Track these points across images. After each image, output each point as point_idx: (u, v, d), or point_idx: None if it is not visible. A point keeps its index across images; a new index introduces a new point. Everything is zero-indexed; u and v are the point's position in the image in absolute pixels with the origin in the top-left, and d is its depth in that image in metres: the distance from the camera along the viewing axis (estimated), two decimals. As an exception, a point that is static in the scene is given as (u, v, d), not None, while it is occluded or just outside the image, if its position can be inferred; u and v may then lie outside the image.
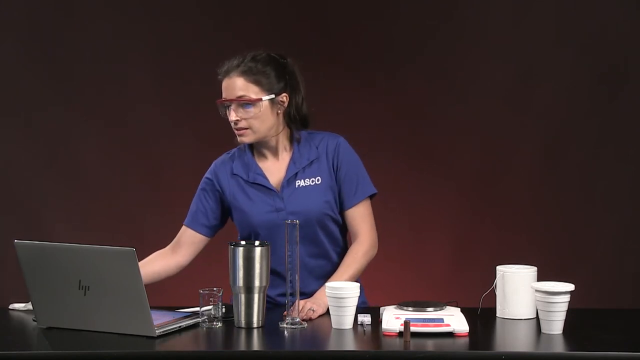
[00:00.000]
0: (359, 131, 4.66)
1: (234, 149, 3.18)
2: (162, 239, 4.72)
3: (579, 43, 4.65)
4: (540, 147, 4.70)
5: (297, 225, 2.78)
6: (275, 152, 3.10)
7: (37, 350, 2.61)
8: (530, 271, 2.85)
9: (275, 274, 2.98)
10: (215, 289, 2.76)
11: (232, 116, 3.01)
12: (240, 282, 2.72)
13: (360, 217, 3.10)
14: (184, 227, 3.24)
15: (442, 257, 4.73)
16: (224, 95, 3.03)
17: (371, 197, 3.14)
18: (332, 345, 2.64)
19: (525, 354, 2.53)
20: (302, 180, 3.08)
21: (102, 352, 2.52)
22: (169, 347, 2.57)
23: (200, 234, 3.19)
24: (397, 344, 2.56)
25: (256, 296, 2.73)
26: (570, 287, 2.67)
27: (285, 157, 3.11)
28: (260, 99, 3.00)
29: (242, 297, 2.73)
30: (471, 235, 4.73)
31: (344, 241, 3.17)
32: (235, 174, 3.12)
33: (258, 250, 2.73)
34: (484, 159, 4.72)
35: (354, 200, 3.09)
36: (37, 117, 4.71)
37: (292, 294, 2.77)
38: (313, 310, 2.84)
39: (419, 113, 4.71)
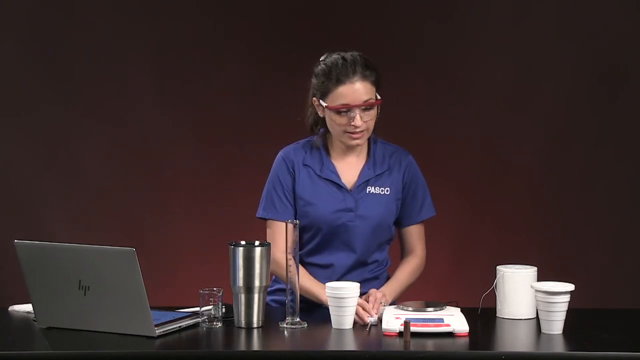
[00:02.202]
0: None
1: (302, 141, 3.15)
2: (162, 239, 4.75)
3: (579, 43, 4.65)
4: (540, 147, 4.70)
5: (297, 225, 2.78)
6: (353, 153, 3.10)
7: (37, 350, 2.61)
8: (530, 271, 2.86)
9: (326, 267, 3.03)
10: (215, 289, 2.77)
11: (359, 121, 2.98)
12: (240, 282, 2.72)
13: (419, 234, 3.18)
14: (272, 223, 3.08)
15: (442, 257, 4.72)
16: (345, 101, 2.99)
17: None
18: (332, 345, 2.64)
19: (525, 354, 2.53)
20: (373, 188, 3.09)
21: (102, 352, 2.53)
22: (169, 347, 2.57)
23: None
24: (397, 344, 2.56)
25: (256, 296, 2.73)
26: (570, 287, 2.67)
27: (361, 158, 3.11)
28: (380, 100, 3.03)
29: (242, 297, 2.73)
30: (471, 235, 4.73)
31: (386, 252, 3.19)
32: (306, 165, 3.09)
33: (258, 250, 2.73)
34: (484, 159, 4.72)
35: (417, 218, 3.15)
36: (37, 117, 4.71)
37: (292, 294, 2.77)
38: (382, 303, 2.87)
39: (419, 113, 4.71)
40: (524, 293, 2.81)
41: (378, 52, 4.71)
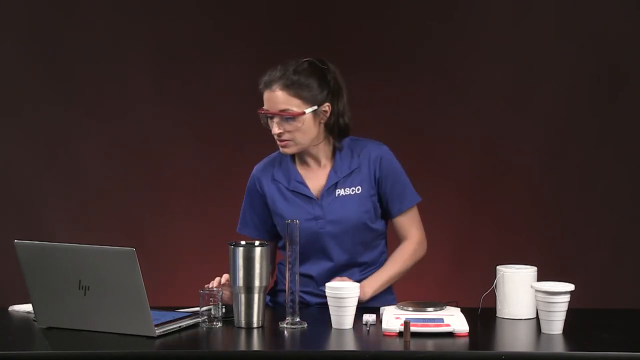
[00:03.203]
0: (359, 131, 4.67)
1: (274, 153, 3.16)
2: (162, 239, 4.75)
3: (579, 43, 4.65)
4: (540, 147, 4.70)
5: (297, 225, 2.78)
6: (317, 160, 3.10)
7: (37, 350, 2.61)
8: (530, 271, 2.85)
9: (307, 277, 3.03)
10: (215, 289, 2.76)
11: (275, 129, 2.99)
12: (241, 282, 2.72)
13: (409, 222, 3.14)
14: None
15: (442, 257, 4.72)
16: (265, 107, 3.01)
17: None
18: (332, 345, 2.64)
19: (525, 354, 2.53)
20: (343, 189, 3.08)
21: (102, 352, 2.53)
22: (169, 347, 2.57)
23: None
24: (397, 344, 2.56)
25: (256, 296, 2.73)
26: (570, 287, 2.67)
27: (326, 165, 3.10)
28: (303, 113, 2.98)
29: (242, 297, 2.73)
30: (471, 235, 4.73)
31: (379, 250, 3.17)
32: (276, 180, 3.11)
33: (258, 250, 2.73)
34: (484, 158, 4.72)
35: (401, 208, 3.12)
36: (37, 117, 4.71)
37: (292, 295, 2.77)
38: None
39: (419, 113, 4.71)
40: (524, 293, 2.81)
41: (378, 52, 4.75)
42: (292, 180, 3.09)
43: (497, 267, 2.89)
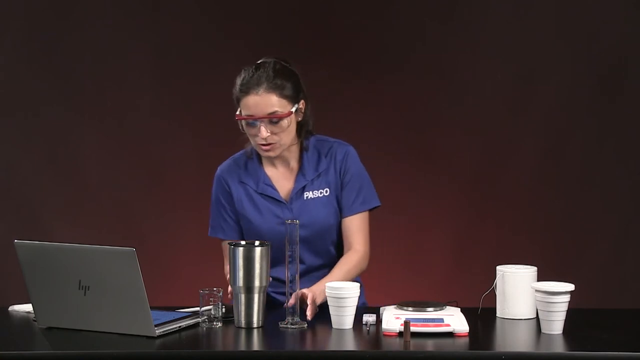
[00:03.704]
0: (359, 131, 4.67)
1: (238, 154, 3.15)
2: (162, 238, 4.75)
3: (579, 43, 4.65)
4: (540, 147, 4.70)
5: (297, 225, 2.78)
6: (286, 162, 3.08)
7: (37, 350, 2.61)
8: (530, 271, 2.85)
9: (279, 281, 2.98)
10: (215, 289, 2.76)
11: (264, 133, 2.94)
12: (240, 282, 2.72)
13: (357, 227, 3.08)
14: (224, 243, 3.13)
15: (442, 257, 4.72)
16: (248, 112, 2.96)
17: (372, 209, 3.13)
18: (332, 345, 2.64)
19: (525, 354, 2.53)
20: (311, 192, 3.06)
21: (102, 352, 2.53)
22: (169, 347, 2.57)
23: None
24: (397, 344, 2.56)
25: (256, 296, 2.73)
26: (570, 287, 2.67)
27: (294, 166, 3.08)
28: (291, 112, 2.97)
29: (242, 297, 2.73)
30: (471, 235, 4.73)
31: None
32: (243, 182, 3.09)
33: (258, 250, 2.73)
34: (484, 158, 4.72)
35: (352, 210, 3.08)
36: (37, 117, 4.71)
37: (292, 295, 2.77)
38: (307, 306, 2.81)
39: (419, 113, 4.71)
40: (524, 293, 2.81)
41: (378, 52, 4.75)
42: (261, 182, 3.07)
43: (497, 267, 2.89)
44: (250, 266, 2.72)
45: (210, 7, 4.73)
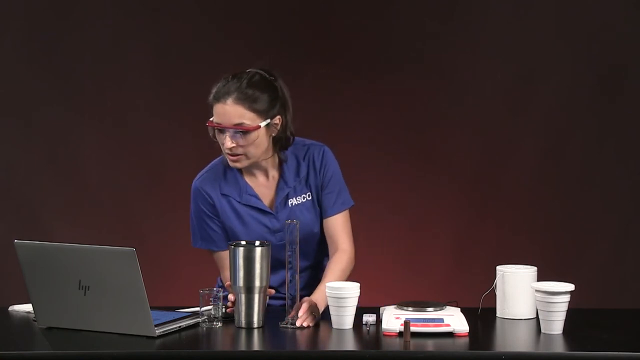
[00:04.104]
0: (359, 131, 4.68)
1: (213, 164, 3.11)
2: (162, 238, 4.74)
3: (579, 43, 4.65)
4: (540, 147, 4.70)
5: (297, 225, 2.78)
6: (265, 172, 3.04)
7: (37, 350, 2.61)
8: (530, 271, 2.85)
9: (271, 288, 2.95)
10: (215, 289, 2.76)
11: (228, 143, 2.91)
12: (241, 282, 2.72)
13: (341, 227, 3.06)
14: (217, 254, 3.10)
15: (442, 257, 4.72)
16: (217, 120, 2.94)
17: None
18: (332, 345, 2.64)
19: (525, 354, 2.53)
20: (294, 199, 3.04)
21: (102, 352, 2.53)
22: (169, 347, 2.57)
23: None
24: (397, 344, 2.56)
25: (256, 296, 2.73)
26: (570, 287, 2.67)
27: (274, 174, 3.05)
28: (259, 126, 2.91)
29: (243, 297, 2.73)
30: (471, 235, 4.73)
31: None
32: (225, 194, 3.04)
33: (258, 250, 2.73)
34: (484, 158, 4.72)
35: (334, 210, 3.06)
36: (37, 117, 4.71)
37: (292, 295, 2.77)
38: (315, 315, 2.79)
39: (419, 113, 4.71)
40: (524, 293, 2.81)
41: (378, 52, 4.75)
42: (244, 193, 3.03)
43: (497, 267, 2.89)
44: (250, 266, 2.72)
45: (210, 7, 4.72)
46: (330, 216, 3.06)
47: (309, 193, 3.06)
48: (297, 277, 2.78)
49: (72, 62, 4.71)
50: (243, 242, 2.77)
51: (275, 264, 2.92)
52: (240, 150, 2.93)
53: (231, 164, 2.97)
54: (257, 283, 2.72)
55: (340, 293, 2.71)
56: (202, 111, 4.74)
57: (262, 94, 2.93)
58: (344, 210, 3.08)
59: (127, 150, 4.74)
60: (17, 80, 4.70)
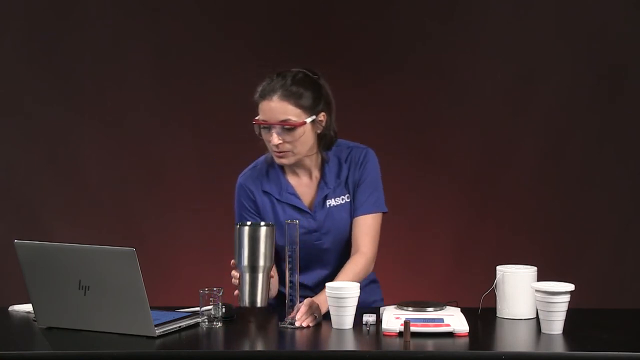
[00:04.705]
0: (359, 131, 4.66)
1: (257, 162, 3.13)
2: (162, 238, 4.75)
3: (579, 43, 4.65)
4: (540, 147, 4.70)
5: (297, 225, 2.78)
6: (308, 171, 3.07)
7: (37, 350, 2.61)
8: (530, 271, 2.86)
9: (303, 286, 2.95)
10: (215, 289, 2.77)
11: (275, 140, 2.94)
12: (245, 261, 2.73)
13: (367, 229, 3.06)
14: None
15: (442, 257, 4.72)
16: (263, 117, 2.96)
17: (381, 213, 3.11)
18: (332, 345, 2.64)
19: (525, 354, 2.53)
20: (333, 200, 3.06)
21: (102, 352, 2.53)
22: (169, 347, 2.57)
23: None
24: (397, 344, 2.56)
25: (260, 275, 2.74)
26: (570, 287, 2.67)
27: (316, 174, 3.08)
28: (304, 122, 2.95)
29: (247, 276, 2.74)
30: (471, 235, 4.73)
31: None
32: (266, 191, 3.08)
33: (263, 229, 2.74)
34: (484, 158, 4.72)
35: (363, 209, 3.06)
36: (37, 117, 4.71)
37: (292, 296, 2.77)
38: (315, 316, 2.79)
39: (419, 112, 4.71)
40: (524, 293, 2.81)
41: (378, 52, 4.75)
42: (284, 191, 3.06)
43: (497, 267, 2.89)
44: (255, 246, 2.73)
45: (210, 7, 4.73)
46: (359, 215, 3.07)
47: (348, 195, 3.07)
48: (297, 277, 2.78)
49: (72, 62, 4.72)
50: (248, 222, 2.77)
51: (310, 263, 2.99)
52: (286, 147, 2.96)
53: (277, 160, 3.00)
54: (262, 262, 2.74)
55: (340, 293, 2.71)
56: (202, 111, 4.77)
57: (307, 91, 2.97)
58: (374, 212, 3.07)
59: (127, 150, 4.74)
60: (17, 80, 4.70)
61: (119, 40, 4.71)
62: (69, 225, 4.67)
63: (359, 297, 2.75)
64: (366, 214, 3.06)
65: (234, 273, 2.79)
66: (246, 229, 2.74)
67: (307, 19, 4.70)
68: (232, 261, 2.80)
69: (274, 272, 2.84)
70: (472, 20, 4.69)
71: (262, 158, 3.13)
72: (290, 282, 2.78)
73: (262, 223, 2.77)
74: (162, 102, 4.74)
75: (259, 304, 2.75)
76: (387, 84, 4.72)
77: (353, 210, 3.07)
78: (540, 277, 2.84)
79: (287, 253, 2.77)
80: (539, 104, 4.68)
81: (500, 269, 2.87)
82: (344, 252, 3.07)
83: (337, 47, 4.68)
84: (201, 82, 4.74)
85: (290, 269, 2.77)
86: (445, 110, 4.72)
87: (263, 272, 2.74)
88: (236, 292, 2.79)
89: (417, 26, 4.70)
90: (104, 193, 4.74)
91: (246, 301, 2.75)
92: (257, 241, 2.74)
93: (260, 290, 2.75)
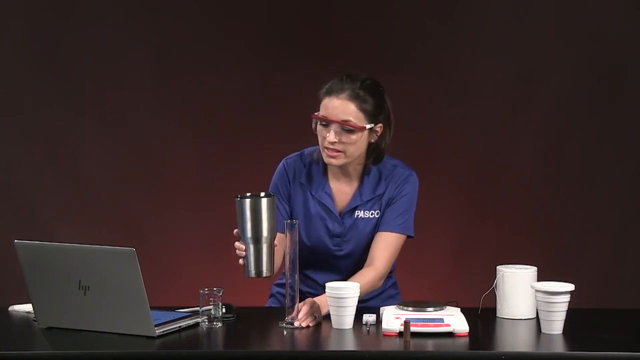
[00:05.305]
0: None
1: (305, 151, 3.13)
2: (162, 238, 4.75)
3: (579, 43, 4.65)
4: (540, 147, 4.70)
5: (297, 225, 2.78)
6: (349, 177, 3.08)
7: (37, 350, 2.61)
8: (530, 271, 2.86)
9: (314, 281, 3.02)
10: (215, 289, 2.77)
11: (332, 137, 2.94)
12: (249, 233, 2.74)
13: (386, 245, 3.05)
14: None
15: (442, 257, 4.72)
16: (324, 114, 2.97)
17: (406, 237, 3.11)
18: (332, 345, 2.64)
19: (525, 354, 2.53)
20: (362, 212, 3.07)
21: (102, 352, 2.53)
22: (169, 347, 2.57)
23: None
24: (397, 344, 2.56)
25: (264, 246, 2.75)
26: (570, 287, 2.67)
27: (354, 183, 3.08)
28: (364, 127, 2.97)
29: (251, 247, 2.75)
30: (471, 235, 4.73)
31: None
32: (302, 183, 3.09)
33: (264, 201, 2.74)
34: (484, 158, 4.72)
35: (389, 227, 3.06)
36: (37, 117, 4.71)
37: (292, 295, 2.77)
38: (315, 317, 2.80)
39: (419, 113, 4.71)
40: (524, 293, 2.81)
41: (378, 52, 4.75)
42: (320, 189, 3.08)
43: (497, 267, 2.89)
44: (257, 218, 2.74)
45: (210, 7, 4.73)
46: (382, 231, 3.06)
47: (378, 211, 3.08)
48: (297, 277, 2.77)
49: (72, 62, 4.71)
50: (248, 194, 2.77)
51: (326, 265, 3.03)
52: (340, 147, 2.97)
53: (327, 159, 3.00)
54: (265, 233, 2.74)
55: (340, 293, 2.71)
56: (202, 111, 4.77)
57: (372, 98, 3.00)
58: (399, 232, 3.07)
59: (127, 150, 4.74)
60: (17, 80, 4.70)
61: (119, 40, 4.71)
62: (69, 225, 4.67)
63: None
64: (390, 232, 3.06)
65: (238, 244, 2.80)
66: (247, 201, 2.74)
67: (307, 19, 4.70)
68: (236, 230, 2.80)
69: (277, 241, 2.83)
70: (472, 20, 4.69)
71: (311, 149, 3.13)
72: (290, 282, 2.77)
73: (262, 194, 2.77)
74: (162, 102, 4.74)
75: (264, 274, 2.76)
76: (387, 84, 4.68)
77: (379, 226, 3.08)
78: (540, 277, 2.84)
79: (287, 253, 2.77)
80: (539, 104, 4.68)
81: (500, 269, 2.87)
82: (358, 264, 3.07)
83: (337, 47, 4.68)
84: (201, 82, 4.74)
85: (290, 270, 2.77)
86: (445, 110, 4.72)
87: (267, 243, 2.76)
88: (241, 260, 2.79)
89: (417, 26, 4.70)
90: (104, 193, 4.74)
91: (252, 272, 2.76)
92: (259, 213, 2.74)
93: (265, 261, 2.76)
